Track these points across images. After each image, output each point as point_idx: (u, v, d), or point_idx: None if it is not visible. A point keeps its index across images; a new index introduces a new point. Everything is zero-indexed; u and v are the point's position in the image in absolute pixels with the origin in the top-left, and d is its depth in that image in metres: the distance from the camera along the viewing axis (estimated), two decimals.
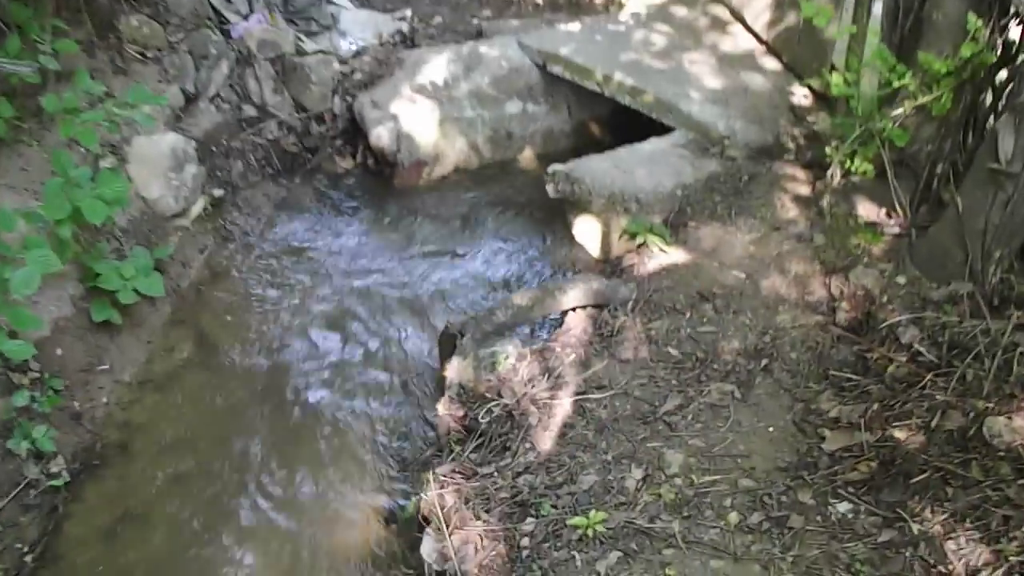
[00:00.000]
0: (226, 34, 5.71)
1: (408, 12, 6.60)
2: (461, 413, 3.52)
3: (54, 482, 3.23)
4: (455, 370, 3.65)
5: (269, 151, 5.41)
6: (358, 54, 5.81)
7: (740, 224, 4.15)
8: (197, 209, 4.83)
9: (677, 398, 3.30)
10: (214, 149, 5.19)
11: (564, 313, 3.97)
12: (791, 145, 4.65)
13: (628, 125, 5.14)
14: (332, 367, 4.01)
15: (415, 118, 5.19)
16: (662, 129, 4.76)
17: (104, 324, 3.72)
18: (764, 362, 3.40)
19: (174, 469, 3.46)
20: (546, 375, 3.53)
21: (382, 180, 5.40)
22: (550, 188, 4.42)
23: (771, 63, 5.24)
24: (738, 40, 5.50)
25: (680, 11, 5.84)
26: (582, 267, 4.52)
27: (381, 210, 5.14)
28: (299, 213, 5.13)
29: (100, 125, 3.82)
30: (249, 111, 5.48)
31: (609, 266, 4.32)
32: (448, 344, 3.84)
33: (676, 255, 4.06)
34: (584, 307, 3.91)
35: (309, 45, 5.83)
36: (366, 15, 6.40)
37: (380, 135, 5.13)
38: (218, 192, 5.03)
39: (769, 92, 4.96)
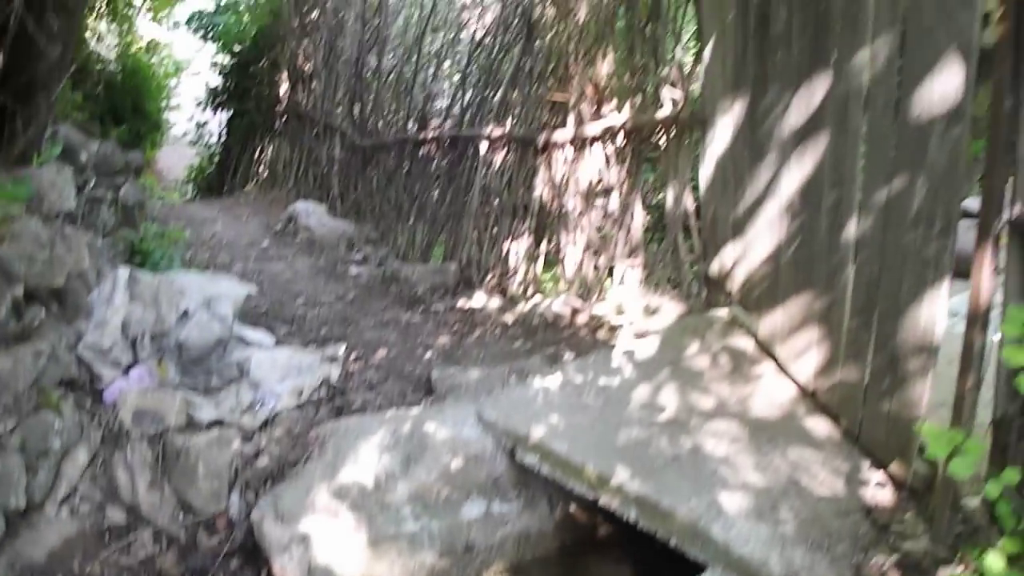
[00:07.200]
0: (97, 396, 4.44)
1: (341, 350, 5.43)
2: None
3: None
4: None
5: None
6: (267, 424, 4.52)
7: None
8: None
9: None
10: None
11: None
12: None
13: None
14: None
15: (334, 540, 3.81)
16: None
17: None
18: None
19: None
20: None
21: None
22: None
23: (821, 426, 4.00)
24: (771, 388, 4.34)
25: (691, 346, 4.75)
26: None
27: None
28: None
29: None
30: (115, 515, 4.06)
31: None
32: None
33: None
34: None
35: (205, 411, 4.55)
36: (286, 356, 5.21)
37: (285, 568, 3.71)
38: None
39: (830, 483, 3.59)
